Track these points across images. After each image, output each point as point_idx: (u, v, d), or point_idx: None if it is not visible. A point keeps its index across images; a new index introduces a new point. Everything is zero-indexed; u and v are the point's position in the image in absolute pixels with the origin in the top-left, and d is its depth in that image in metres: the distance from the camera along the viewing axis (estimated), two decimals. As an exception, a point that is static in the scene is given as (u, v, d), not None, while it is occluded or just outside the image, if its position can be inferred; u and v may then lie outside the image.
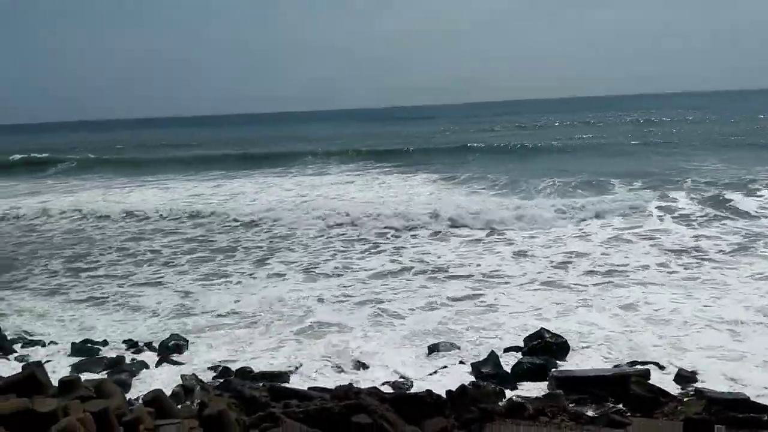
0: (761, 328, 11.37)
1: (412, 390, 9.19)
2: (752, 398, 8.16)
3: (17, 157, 56.60)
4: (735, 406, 7.81)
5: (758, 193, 23.37)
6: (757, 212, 21.03)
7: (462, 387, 9.10)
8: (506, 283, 15.30)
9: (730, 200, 22.40)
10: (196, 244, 21.59)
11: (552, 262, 16.90)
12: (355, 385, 9.32)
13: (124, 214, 27.29)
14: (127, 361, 11.10)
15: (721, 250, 16.99)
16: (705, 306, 12.67)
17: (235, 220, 24.54)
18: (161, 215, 26.64)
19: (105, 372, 10.53)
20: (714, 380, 9.29)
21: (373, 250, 19.38)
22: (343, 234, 21.64)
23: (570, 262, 16.72)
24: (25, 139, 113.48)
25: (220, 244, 21.33)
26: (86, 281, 17.39)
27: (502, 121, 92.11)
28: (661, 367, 9.73)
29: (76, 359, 11.35)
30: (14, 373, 8.71)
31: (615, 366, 9.92)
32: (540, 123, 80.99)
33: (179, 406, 8.21)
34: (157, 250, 20.93)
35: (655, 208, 22.23)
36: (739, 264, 15.60)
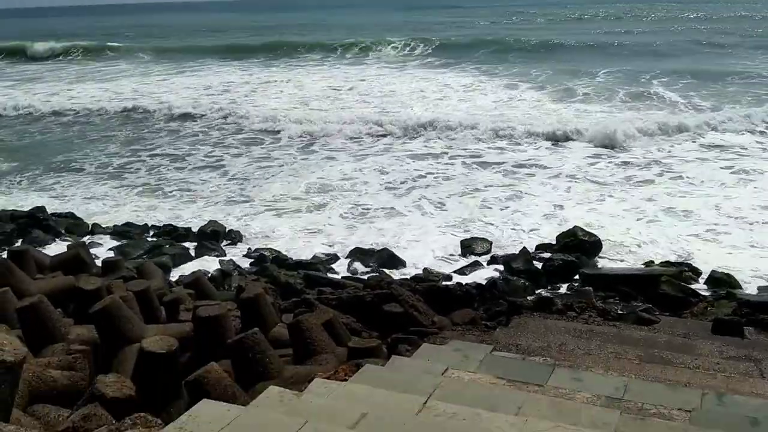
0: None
1: (444, 283, 9.36)
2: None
3: (58, 45, 54.87)
4: (766, 309, 7.83)
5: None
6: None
7: (492, 280, 9.25)
8: (534, 175, 15.41)
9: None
10: (234, 126, 22.01)
11: (588, 155, 16.81)
12: (388, 277, 9.54)
13: (163, 100, 27.29)
14: (168, 245, 11.39)
15: (763, 148, 16.82)
16: (742, 205, 12.65)
17: (272, 109, 24.44)
18: (198, 101, 26.69)
19: (146, 255, 10.84)
20: (746, 281, 9.33)
21: (413, 135, 19.58)
22: (381, 122, 21.45)
23: (604, 156, 16.66)
24: (48, 24, 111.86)
25: (260, 125, 21.61)
26: (147, 161, 17.95)
27: (542, 12, 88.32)
28: (694, 269, 9.72)
29: (117, 242, 11.71)
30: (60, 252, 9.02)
31: (646, 265, 9.94)
32: (586, 15, 77.66)
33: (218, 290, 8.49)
34: (204, 131, 21.53)
35: (698, 105, 21.99)
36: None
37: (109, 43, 53.92)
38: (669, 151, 16.88)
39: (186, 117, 24.06)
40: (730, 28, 51.17)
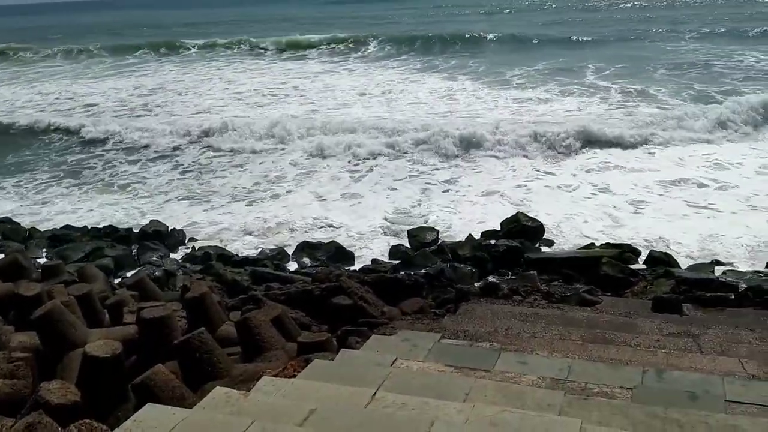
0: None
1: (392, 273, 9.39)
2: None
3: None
4: (703, 286, 8.10)
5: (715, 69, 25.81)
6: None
7: (440, 268, 9.33)
8: (475, 160, 15.83)
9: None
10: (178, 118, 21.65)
11: (521, 136, 17.00)
12: (337, 270, 9.53)
13: (100, 99, 26.72)
14: (109, 247, 11.12)
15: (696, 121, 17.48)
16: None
17: (213, 105, 24.10)
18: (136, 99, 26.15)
19: (86, 258, 10.58)
20: (683, 260, 9.64)
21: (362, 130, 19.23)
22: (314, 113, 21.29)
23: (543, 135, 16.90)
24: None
25: (211, 124, 20.25)
26: (101, 158, 17.78)
27: (469, 4, 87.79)
28: (633, 249, 9.97)
29: (57, 246, 11.38)
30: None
31: (587, 247, 10.15)
32: (512, 7, 77.72)
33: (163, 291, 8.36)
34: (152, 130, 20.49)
35: (627, 89, 22.72)
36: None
37: (31, 45, 51.18)
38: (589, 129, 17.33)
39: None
40: (661, 16, 52.10)
